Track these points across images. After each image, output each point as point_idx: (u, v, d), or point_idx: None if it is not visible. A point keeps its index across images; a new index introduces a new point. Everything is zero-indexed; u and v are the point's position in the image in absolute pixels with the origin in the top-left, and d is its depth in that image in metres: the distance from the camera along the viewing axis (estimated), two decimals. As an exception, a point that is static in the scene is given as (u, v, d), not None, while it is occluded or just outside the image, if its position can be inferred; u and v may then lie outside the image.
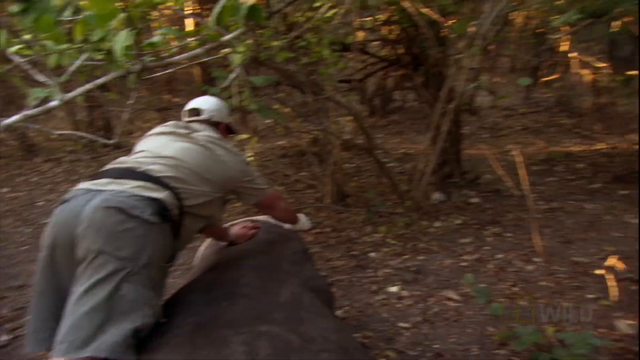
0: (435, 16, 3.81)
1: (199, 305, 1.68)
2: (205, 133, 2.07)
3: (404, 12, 4.03)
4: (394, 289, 3.23)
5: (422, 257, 3.64)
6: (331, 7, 3.60)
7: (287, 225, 2.59)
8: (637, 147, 5.34)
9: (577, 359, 2.21)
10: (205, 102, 2.28)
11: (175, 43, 2.95)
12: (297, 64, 3.68)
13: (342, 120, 4.68)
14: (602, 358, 2.33)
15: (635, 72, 6.31)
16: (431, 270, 3.43)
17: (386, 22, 4.62)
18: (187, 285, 1.94)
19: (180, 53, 2.51)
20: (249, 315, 1.60)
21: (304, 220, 2.55)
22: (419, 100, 5.26)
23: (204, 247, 2.54)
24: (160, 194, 1.69)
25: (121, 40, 1.98)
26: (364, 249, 3.85)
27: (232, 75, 3.16)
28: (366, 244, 3.94)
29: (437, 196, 4.60)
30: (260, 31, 3.22)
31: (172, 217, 1.72)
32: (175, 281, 2.94)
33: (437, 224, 4.20)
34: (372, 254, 3.76)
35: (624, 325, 2.63)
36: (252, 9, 2.01)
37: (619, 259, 2.91)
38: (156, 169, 1.78)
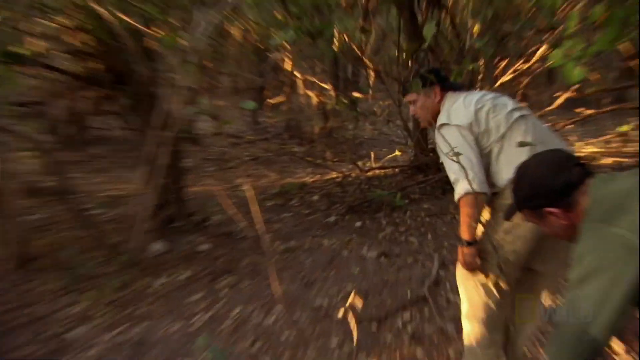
0: (137, 25, 3.83)
1: None
2: None
3: (99, 19, 3.96)
4: None
5: (144, 325, 3.58)
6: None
7: None
8: (366, 174, 6.17)
9: None
10: None
11: None
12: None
13: (19, 156, 4.32)
14: None
15: (358, 95, 7.34)
16: (156, 339, 3.40)
17: (76, 30, 4.47)
18: None
19: None
20: None
21: None
22: (127, 128, 5.18)
23: None
24: None
25: None
26: (63, 327, 3.61)
27: None
28: (66, 320, 3.70)
29: (157, 246, 4.59)
30: None
31: None
32: None
33: (161, 280, 4.18)
34: (74, 331, 3.55)
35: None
36: None
37: (357, 296, 3.28)
38: None
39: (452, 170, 2.30)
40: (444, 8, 5.90)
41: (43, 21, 4.16)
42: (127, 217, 4.54)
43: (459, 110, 2.40)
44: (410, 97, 2.58)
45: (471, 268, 2.39)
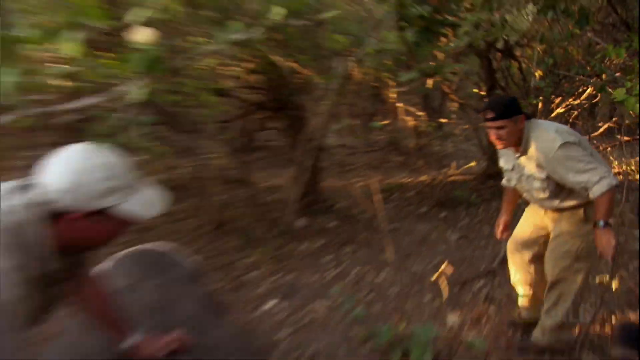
0: (297, 68, 4.11)
1: None
2: None
3: (270, 64, 4.28)
4: (271, 302, 3.31)
5: (293, 274, 3.76)
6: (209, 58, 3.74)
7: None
8: (450, 178, 6.17)
9: (421, 347, 2.53)
10: None
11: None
12: (179, 106, 3.70)
13: (214, 156, 4.67)
14: (439, 344, 2.71)
15: (444, 120, 7.34)
16: (301, 284, 3.59)
17: (252, 72, 4.79)
18: None
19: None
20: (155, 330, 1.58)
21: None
22: (283, 140, 5.44)
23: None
24: None
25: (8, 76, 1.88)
26: (243, 271, 3.84)
27: (117, 115, 3.11)
28: (244, 266, 3.92)
29: (301, 222, 4.72)
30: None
31: None
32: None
33: (304, 245, 4.32)
34: (251, 274, 3.78)
35: (452, 318, 3.05)
36: (154, 61, 2.00)
37: (449, 264, 3.39)
38: None
39: (586, 175, 2.14)
40: (514, 57, 5.85)
41: (232, 68, 4.48)
42: (282, 201, 4.76)
43: (562, 132, 2.24)
44: (500, 123, 2.26)
45: (609, 243, 2.16)
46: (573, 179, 2.19)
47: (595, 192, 2.15)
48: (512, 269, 2.80)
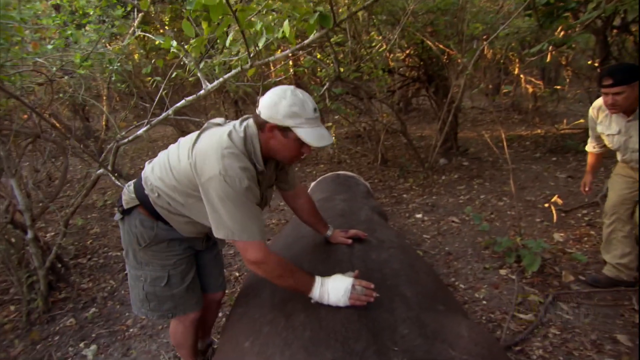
0: (445, 49, 3.79)
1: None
2: None
3: (422, 48, 4.02)
4: (418, 215, 3.30)
5: (434, 197, 3.67)
6: (380, 46, 3.65)
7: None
8: (562, 131, 5.24)
9: (532, 255, 2.32)
10: None
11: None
12: (360, 81, 3.73)
13: (380, 115, 4.69)
14: (546, 255, 2.48)
15: (558, 87, 6.13)
16: (441, 204, 3.49)
17: (409, 55, 4.58)
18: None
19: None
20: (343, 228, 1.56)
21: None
22: (430, 103, 5.16)
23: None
24: None
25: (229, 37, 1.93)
26: (399, 193, 3.87)
27: (324, 88, 3.26)
28: (400, 190, 3.95)
29: (442, 161, 4.57)
30: (341, 59, 3.23)
31: None
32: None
33: (443, 177, 4.18)
34: (404, 195, 3.79)
35: (557, 236, 2.74)
36: (322, 16, 1.76)
37: (558, 197, 2.98)
38: None
39: None
40: (630, 32, 4.52)
41: (397, 53, 4.34)
42: (429, 146, 4.61)
43: None
44: (618, 89, 1.68)
45: None
46: None
47: None
48: (611, 227, 2.13)
